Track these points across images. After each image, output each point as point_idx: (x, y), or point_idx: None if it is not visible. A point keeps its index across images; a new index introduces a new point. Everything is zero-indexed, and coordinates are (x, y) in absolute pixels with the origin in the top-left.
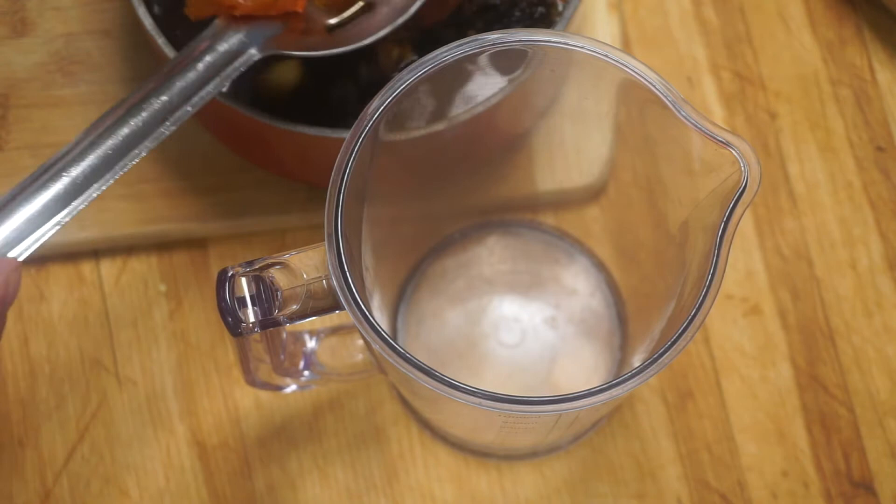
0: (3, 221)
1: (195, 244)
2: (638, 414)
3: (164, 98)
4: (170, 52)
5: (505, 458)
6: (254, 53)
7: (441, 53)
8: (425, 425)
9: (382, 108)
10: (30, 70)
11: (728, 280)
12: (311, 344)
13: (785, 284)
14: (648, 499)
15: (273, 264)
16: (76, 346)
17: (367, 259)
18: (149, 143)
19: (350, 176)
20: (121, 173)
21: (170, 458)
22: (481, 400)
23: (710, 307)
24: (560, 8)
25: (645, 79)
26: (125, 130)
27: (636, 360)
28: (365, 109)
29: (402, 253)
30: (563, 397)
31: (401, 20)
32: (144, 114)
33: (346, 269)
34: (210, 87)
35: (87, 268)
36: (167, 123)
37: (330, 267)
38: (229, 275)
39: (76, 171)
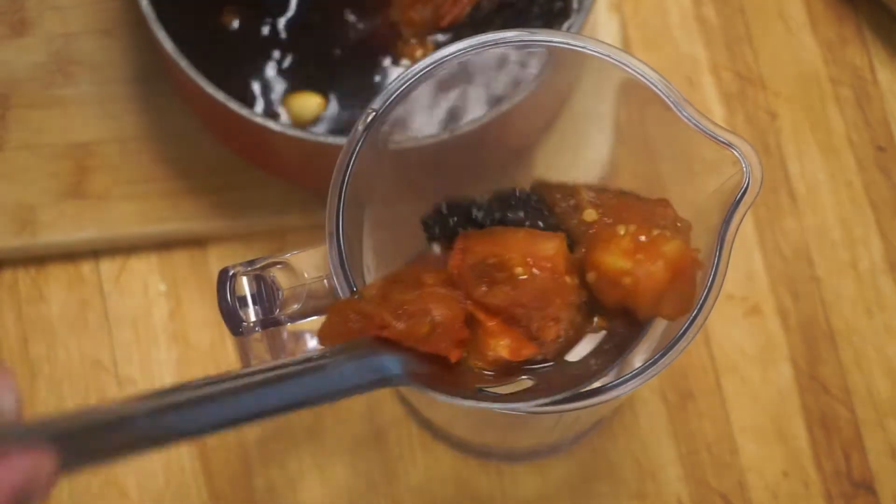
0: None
1: (195, 244)
2: (638, 414)
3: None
4: (171, 47)
5: (505, 458)
6: (394, 378)
7: (440, 54)
8: (426, 425)
9: (383, 107)
10: (30, 70)
11: (728, 280)
12: (311, 344)
13: (785, 284)
14: (649, 499)
15: (274, 264)
16: (76, 346)
17: (369, 259)
18: None
19: (351, 176)
20: None
21: (169, 459)
22: (481, 399)
23: (712, 308)
24: (575, 4)
25: (646, 79)
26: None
27: (637, 361)
28: (366, 109)
29: (404, 252)
30: (564, 397)
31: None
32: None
33: (347, 269)
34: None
35: (86, 268)
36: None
37: (331, 266)
38: (230, 274)
39: None
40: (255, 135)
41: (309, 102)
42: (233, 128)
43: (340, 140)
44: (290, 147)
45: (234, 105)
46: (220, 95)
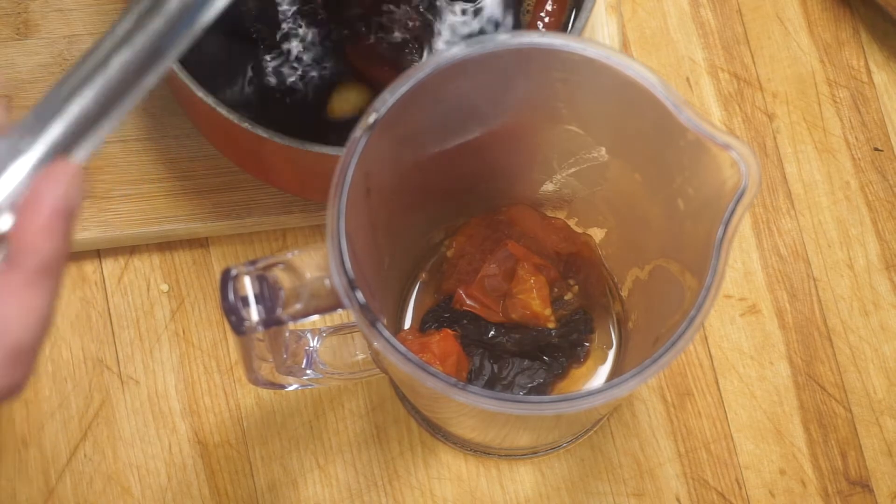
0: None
1: (197, 244)
2: (637, 413)
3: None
4: None
5: (505, 456)
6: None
7: (442, 56)
8: (426, 424)
9: (386, 109)
10: (33, 71)
11: (726, 280)
12: (313, 343)
13: (782, 284)
14: (647, 497)
15: (276, 263)
16: (79, 345)
17: (370, 258)
18: None
19: (353, 176)
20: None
21: (172, 457)
22: (482, 399)
23: (710, 309)
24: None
25: (645, 81)
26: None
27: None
28: (368, 110)
29: (405, 252)
30: (563, 397)
31: None
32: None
33: (348, 269)
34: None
35: (89, 267)
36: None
37: (332, 266)
38: (233, 274)
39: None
40: (252, 145)
41: (352, 94)
42: (230, 138)
43: (338, 150)
44: (285, 157)
45: (230, 115)
46: (223, 110)
